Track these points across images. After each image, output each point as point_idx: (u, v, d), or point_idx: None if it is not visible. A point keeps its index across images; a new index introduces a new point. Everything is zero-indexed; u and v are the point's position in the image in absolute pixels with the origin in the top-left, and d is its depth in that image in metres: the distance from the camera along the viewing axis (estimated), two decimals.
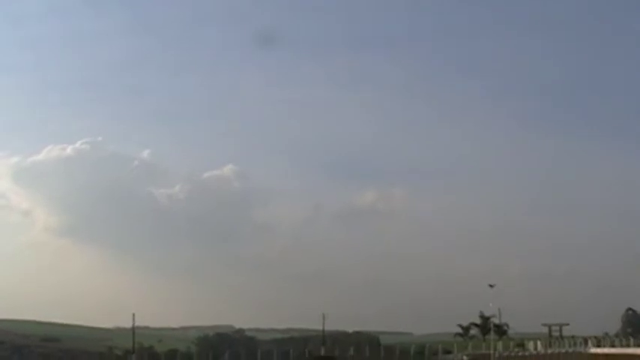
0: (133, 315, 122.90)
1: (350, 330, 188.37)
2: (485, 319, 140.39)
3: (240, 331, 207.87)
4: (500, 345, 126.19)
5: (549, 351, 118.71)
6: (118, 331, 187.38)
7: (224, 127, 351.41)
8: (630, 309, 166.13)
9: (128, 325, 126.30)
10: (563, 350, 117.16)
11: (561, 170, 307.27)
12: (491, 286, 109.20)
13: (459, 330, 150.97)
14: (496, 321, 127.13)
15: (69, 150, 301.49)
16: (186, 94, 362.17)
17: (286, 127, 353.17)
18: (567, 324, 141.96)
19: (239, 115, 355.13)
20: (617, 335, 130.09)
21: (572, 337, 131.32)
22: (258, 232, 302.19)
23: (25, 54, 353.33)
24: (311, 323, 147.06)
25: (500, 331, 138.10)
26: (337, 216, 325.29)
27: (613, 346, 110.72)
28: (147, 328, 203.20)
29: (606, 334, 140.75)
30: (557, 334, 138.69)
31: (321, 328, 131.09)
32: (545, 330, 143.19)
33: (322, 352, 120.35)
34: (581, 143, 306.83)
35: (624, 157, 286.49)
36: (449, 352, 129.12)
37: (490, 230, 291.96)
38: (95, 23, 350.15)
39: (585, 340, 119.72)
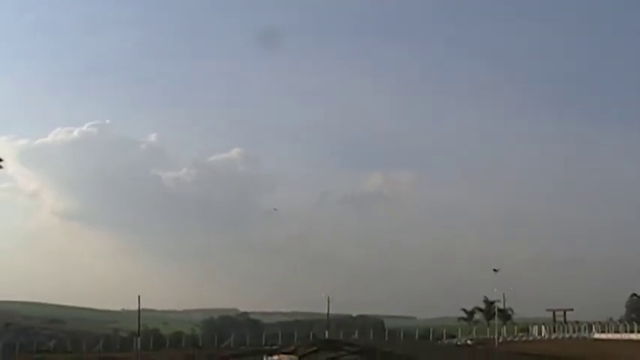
0: (139, 297, 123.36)
1: (355, 314, 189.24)
2: (490, 304, 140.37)
3: (245, 314, 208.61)
4: (504, 330, 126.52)
5: (553, 336, 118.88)
6: (124, 314, 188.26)
7: (232, 111, 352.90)
8: (635, 295, 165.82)
9: (134, 307, 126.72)
10: (567, 336, 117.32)
11: (568, 157, 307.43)
12: (495, 270, 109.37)
13: (463, 315, 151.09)
14: (500, 306, 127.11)
15: (76, 133, 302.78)
16: (196, 80, 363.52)
17: (293, 113, 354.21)
18: (571, 309, 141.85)
19: (247, 101, 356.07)
20: (621, 321, 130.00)
21: (577, 322, 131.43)
22: (265, 217, 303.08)
23: (35, 39, 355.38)
24: (316, 307, 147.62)
25: (505, 316, 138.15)
26: (344, 201, 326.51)
27: (617, 331, 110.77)
28: (153, 310, 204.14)
29: (610, 319, 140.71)
30: (561, 319, 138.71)
31: (326, 311, 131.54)
32: (550, 315, 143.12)
33: (326, 335, 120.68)
34: (590, 131, 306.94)
35: (632, 144, 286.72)
36: (453, 336, 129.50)
37: (497, 216, 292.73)
38: (107, 10, 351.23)
39: (589, 326, 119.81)
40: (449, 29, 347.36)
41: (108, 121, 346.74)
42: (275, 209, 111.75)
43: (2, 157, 69.29)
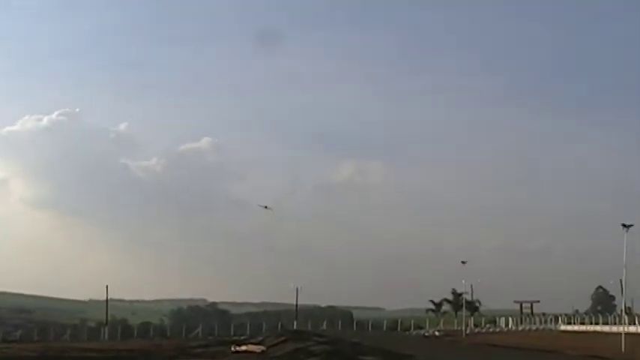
0: (107, 287, 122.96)
1: (323, 305, 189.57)
2: (457, 296, 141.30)
3: (213, 304, 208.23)
4: (471, 321, 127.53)
5: (520, 328, 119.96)
6: (92, 304, 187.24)
7: (203, 100, 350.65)
8: (600, 287, 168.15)
9: (102, 297, 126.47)
10: (534, 327, 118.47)
11: (535, 147, 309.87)
12: (463, 262, 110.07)
13: (432, 306, 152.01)
14: (468, 298, 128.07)
15: (45, 121, 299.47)
16: (167, 67, 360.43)
17: (264, 101, 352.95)
18: (538, 301, 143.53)
19: (218, 90, 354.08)
20: (587, 313, 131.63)
21: (543, 314, 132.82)
22: (235, 206, 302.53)
23: (3, 23, 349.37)
24: (285, 297, 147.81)
25: (473, 307, 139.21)
26: (314, 191, 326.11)
27: (583, 323, 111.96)
28: (121, 300, 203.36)
29: (576, 311, 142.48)
30: (528, 311, 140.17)
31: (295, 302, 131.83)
32: (517, 307, 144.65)
33: (294, 325, 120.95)
34: (558, 120, 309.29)
35: (600, 134, 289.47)
36: (421, 327, 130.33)
37: (465, 206, 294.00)
38: None
39: (556, 318, 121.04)
40: (418, 17, 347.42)
41: (77, 109, 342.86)
42: (266, 207, 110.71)
43: None
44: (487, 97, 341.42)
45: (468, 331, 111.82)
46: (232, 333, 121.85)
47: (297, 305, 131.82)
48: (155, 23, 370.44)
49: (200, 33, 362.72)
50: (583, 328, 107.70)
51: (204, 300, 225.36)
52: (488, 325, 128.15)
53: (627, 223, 67.91)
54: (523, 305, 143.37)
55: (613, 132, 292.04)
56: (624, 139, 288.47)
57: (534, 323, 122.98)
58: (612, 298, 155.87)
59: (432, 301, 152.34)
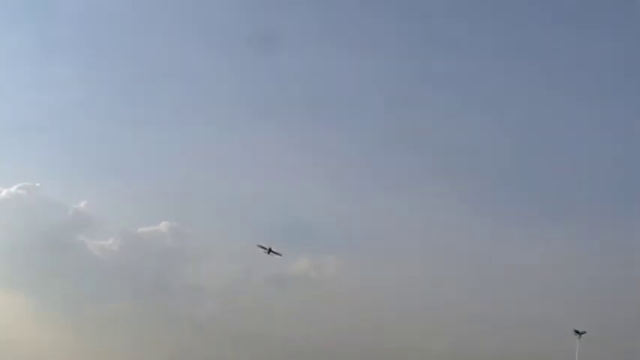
0: None
1: None
2: None
3: None
4: None
5: None
6: None
7: (164, 184, 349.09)
8: None
9: None
10: None
11: (490, 251, 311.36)
12: None
13: None
14: None
15: (4, 193, 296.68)
16: (130, 149, 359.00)
17: (223, 190, 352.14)
18: None
19: (180, 176, 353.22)
20: None
21: None
22: (189, 291, 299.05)
23: None
24: None
25: None
26: (269, 281, 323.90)
27: None
28: None
29: None
30: None
31: None
32: None
33: None
34: (509, 225, 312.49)
35: (552, 241, 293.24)
36: None
37: (419, 306, 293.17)
38: (41, 69, 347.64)
39: None
40: (370, 117, 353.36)
41: (38, 184, 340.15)
42: (270, 250, 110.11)
43: None
44: (439, 200, 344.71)
45: None
46: None
47: None
48: (119, 103, 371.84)
49: (163, 118, 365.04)
50: None
51: None
52: None
53: (580, 330, 69.97)
54: None
55: (564, 238, 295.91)
56: (575, 245, 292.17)
57: None
58: None
59: None
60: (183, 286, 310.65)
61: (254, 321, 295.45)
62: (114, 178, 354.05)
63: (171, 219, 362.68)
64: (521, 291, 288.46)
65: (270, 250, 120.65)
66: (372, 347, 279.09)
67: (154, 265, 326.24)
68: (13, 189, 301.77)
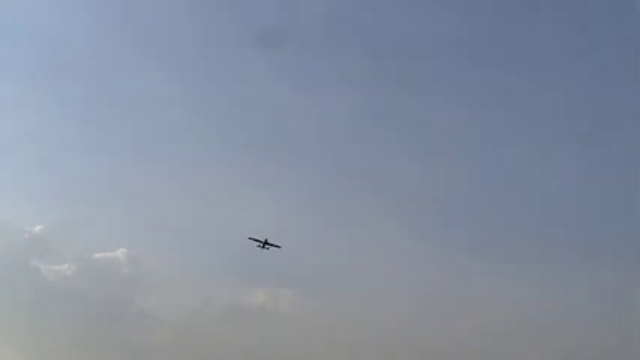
0: None
1: None
2: None
3: None
4: None
5: None
6: None
7: (124, 211, 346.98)
8: None
9: None
10: None
11: (465, 290, 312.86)
12: None
13: None
14: None
15: None
16: (90, 175, 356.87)
17: (183, 220, 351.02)
18: None
19: (140, 204, 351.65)
20: None
21: None
22: (144, 319, 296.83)
23: None
24: None
25: None
26: (225, 312, 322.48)
27: None
28: None
29: None
30: None
31: None
32: None
33: None
34: (485, 265, 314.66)
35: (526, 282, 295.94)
36: None
37: (374, 340, 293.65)
38: (5, 91, 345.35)
39: None
40: (334, 158, 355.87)
41: None
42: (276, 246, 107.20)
43: None
44: (396, 236, 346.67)
45: None
46: None
47: None
48: (77, 128, 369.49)
49: (122, 145, 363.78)
50: None
51: None
52: None
53: None
54: None
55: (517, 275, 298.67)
56: (531, 283, 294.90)
57: None
58: None
59: None
60: (138, 314, 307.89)
61: (208, 351, 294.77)
62: (71, 203, 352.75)
63: (129, 246, 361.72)
64: (496, 329, 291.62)
65: (265, 243, 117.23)
66: None
67: (109, 291, 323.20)
68: None
